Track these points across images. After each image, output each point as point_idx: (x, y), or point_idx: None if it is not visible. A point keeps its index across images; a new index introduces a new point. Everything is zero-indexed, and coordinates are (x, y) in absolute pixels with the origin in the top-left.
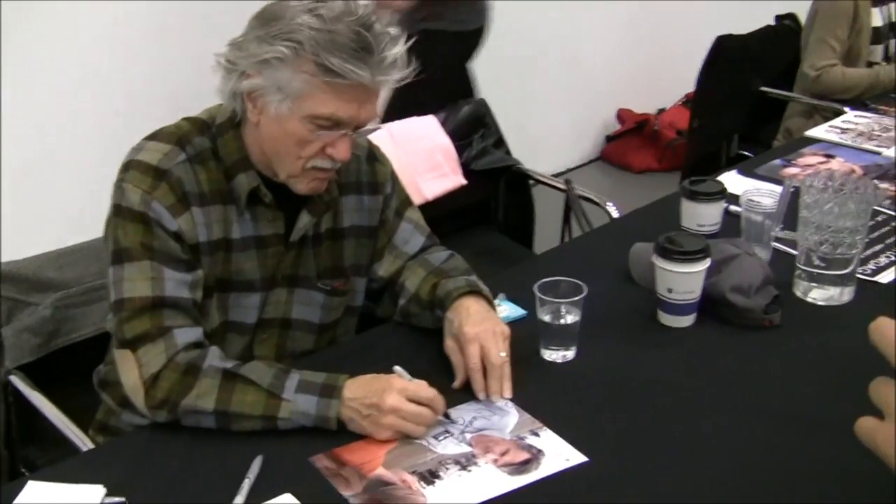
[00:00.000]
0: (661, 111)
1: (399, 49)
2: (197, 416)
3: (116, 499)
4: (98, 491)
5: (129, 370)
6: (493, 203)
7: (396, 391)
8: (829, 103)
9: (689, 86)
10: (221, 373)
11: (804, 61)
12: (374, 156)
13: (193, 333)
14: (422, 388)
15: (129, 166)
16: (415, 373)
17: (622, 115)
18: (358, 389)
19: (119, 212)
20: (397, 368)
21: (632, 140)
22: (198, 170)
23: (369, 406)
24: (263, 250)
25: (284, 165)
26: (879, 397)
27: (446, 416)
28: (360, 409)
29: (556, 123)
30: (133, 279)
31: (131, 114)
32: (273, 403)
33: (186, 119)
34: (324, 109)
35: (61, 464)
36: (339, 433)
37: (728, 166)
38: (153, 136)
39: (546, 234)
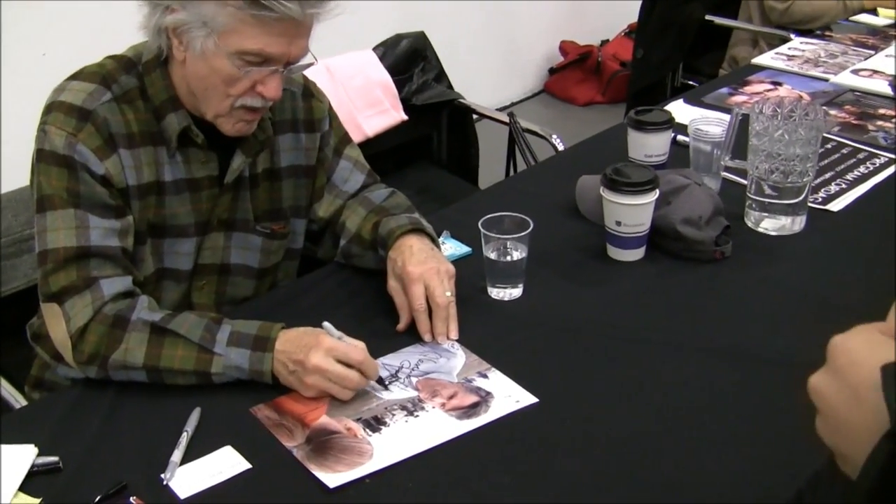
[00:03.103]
0: (605, 43)
1: None
2: (127, 372)
3: (49, 458)
4: (30, 451)
5: (57, 324)
6: (435, 139)
7: (324, 350)
8: (775, 30)
9: (632, 16)
10: (150, 326)
11: None
12: (309, 92)
13: (122, 283)
14: (352, 349)
15: (51, 108)
16: (357, 315)
17: (565, 47)
18: (288, 343)
19: (42, 156)
20: (326, 324)
21: (575, 72)
22: (125, 110)
23: (295, 362)
24: (197, 193)
25: (212, 104)
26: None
27: (380, 381)
28: (286, 363)
29: (498, 56)
30: (56, 229)
31: None
32: (204, 358)
33: (111, 57)
34: (251, 45)
35: None
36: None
37: (673, 97)
38: (76, 76)
39: (491, 169)
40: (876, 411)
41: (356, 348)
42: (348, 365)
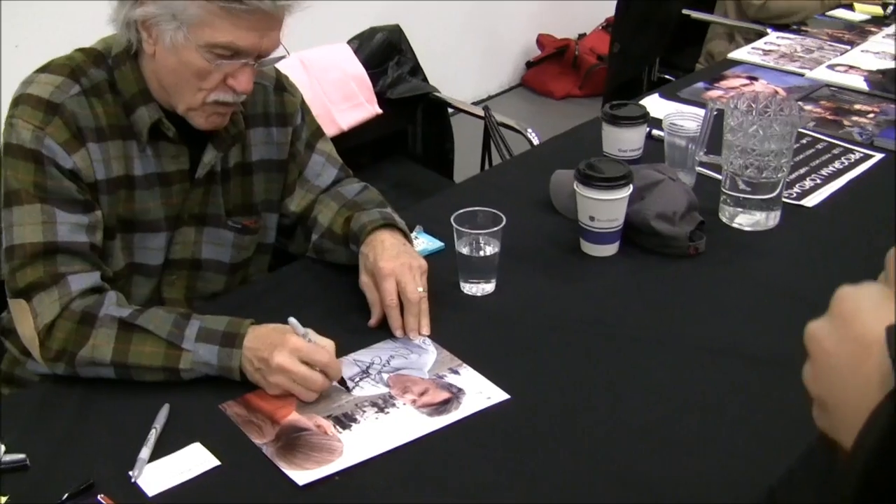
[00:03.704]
0: (582, 36)
1: None
2: (96, 368)
3: (16, 456)
4: None
5: (24, 320)
6: (410, 133)
7: (289, 350)
8: (752, 25)
9: (610, 10)
10: (118, 322)
11: None
12: (282, 86)
13: (90, 279)
14: (318, 351)
15: (19, 101)
16: (329, 311)
17: (542, 40)
18: (256, 340)
19: (9, 150)
20: (292, 320)
21: (552, 66)
22: (94, 103)
23: (260, 360)
24: (168, 188)
25: (183, 98)
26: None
27: (342, 383)
28: (253, 360)
29: (475, 50)
30: (23, 224)
31: None
32: (173, 354)
33: (80, 50)
34: (222, 38)
35: None
36: None
37: (649, 91)
38: (44, 69)
39: (467, 164)
40: (879, 365)
41: (322, 349)
42: (313, 366)
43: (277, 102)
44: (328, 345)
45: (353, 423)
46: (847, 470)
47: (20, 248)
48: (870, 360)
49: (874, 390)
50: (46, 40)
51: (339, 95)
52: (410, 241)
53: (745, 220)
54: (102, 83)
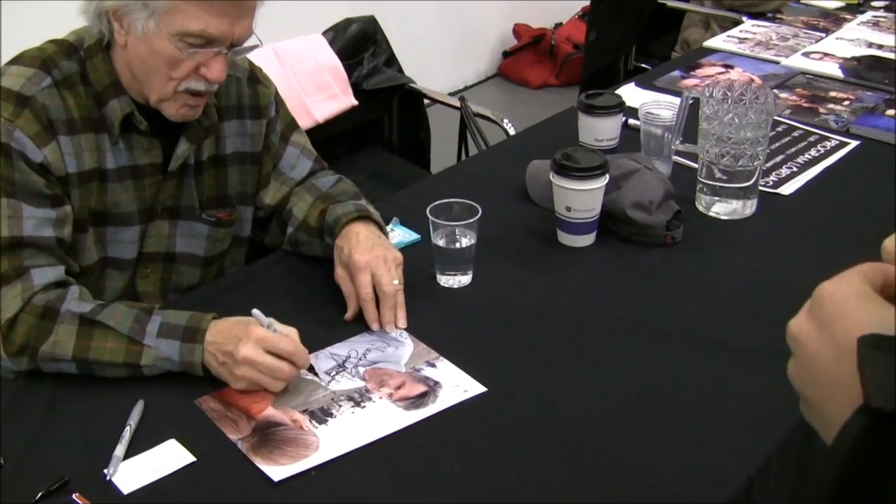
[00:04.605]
0: (559, 25)
1: None
2: (57, 364)
3: None
4: None
5: None
6: (386, 123)
7: (254, 341)
8: (727, 13)
9: None
10: (79, 318)
11: None
12: (255, 77)
13: (54, 273)
14: (283, 340)
15: None
16: (305, 304)
17: (518, 30)
18: (218, 334)
19: None
20: (255, 312)
21: (529, 55)
22: (66, 95)
23: (224, 353)
24: (140, 180)
25: (155, 87)
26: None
27: (311, 370)
28: (217, 354)
29: (451, 40)
30: None
31: None
32: (134, 350)
33: (52, 41)
34: (193, 26)
35: None
36: None
37: (626, 79)
38: (15, 60)
39: (443, 154)
40: (856, 374)
41: (286, 338)
42: (279, 356)
43: (251, 94)
44: (291, 332)
45: (329, 418)
46: (820, 478)
47: None
48: (850, 367)
49: (854, 399)
50: (15, 30)
51: (313, 87)
52: (386, 234)
53: (722, 209)
54: (74, 75)
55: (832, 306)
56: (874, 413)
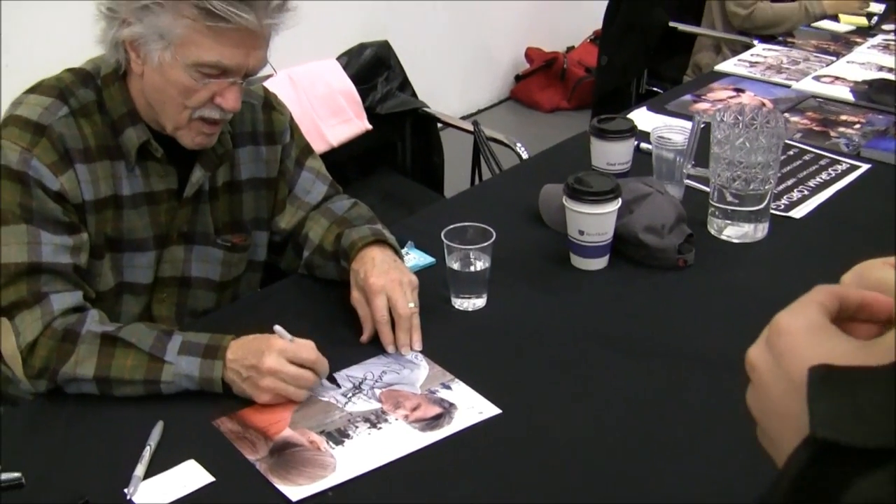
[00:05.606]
0: (570, 49)
1: None
2: (78, 384)
3: (12, 474)
4: None
5: (6, 339)
6: (399, 147)
7: (276, 352)
8: (738, 37)
9: (598, 23)
10: (100, 337)
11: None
12: (270, 104)
13: (72, 298)
14: (303, 349)
15: (7, 122)
16: (321, 327)
17: (531, 53)
18: (239, 351)
19: None
20: (277, 328)
21: (541, 79)
22: (82, 124)
23: (248, 367)
24: (155, 207)
25: (170, 116)
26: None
27: (331, 379)
28: (240, 370)
29: (464, 64)
30: (8, 244)
31: None
32: (155, 367)
33: (69, 70)
34: (208, 57)
35: None
36: None
37: (637, 103)
38: (33, 89)
39: (457, 178)
40: (806, 409)
41: (307, 347)
42: (301, 365)
43: (266, 121)
44: (308, 344)
45: (345, 439)
46: None
47: (4, 268)
48: (801, 399)
49: (803, 430)
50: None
51: (327, 111)
52: (401, 257)
53: (734, 232)
54: (91, 104)
55: (786, 338)
56: (819, 444)
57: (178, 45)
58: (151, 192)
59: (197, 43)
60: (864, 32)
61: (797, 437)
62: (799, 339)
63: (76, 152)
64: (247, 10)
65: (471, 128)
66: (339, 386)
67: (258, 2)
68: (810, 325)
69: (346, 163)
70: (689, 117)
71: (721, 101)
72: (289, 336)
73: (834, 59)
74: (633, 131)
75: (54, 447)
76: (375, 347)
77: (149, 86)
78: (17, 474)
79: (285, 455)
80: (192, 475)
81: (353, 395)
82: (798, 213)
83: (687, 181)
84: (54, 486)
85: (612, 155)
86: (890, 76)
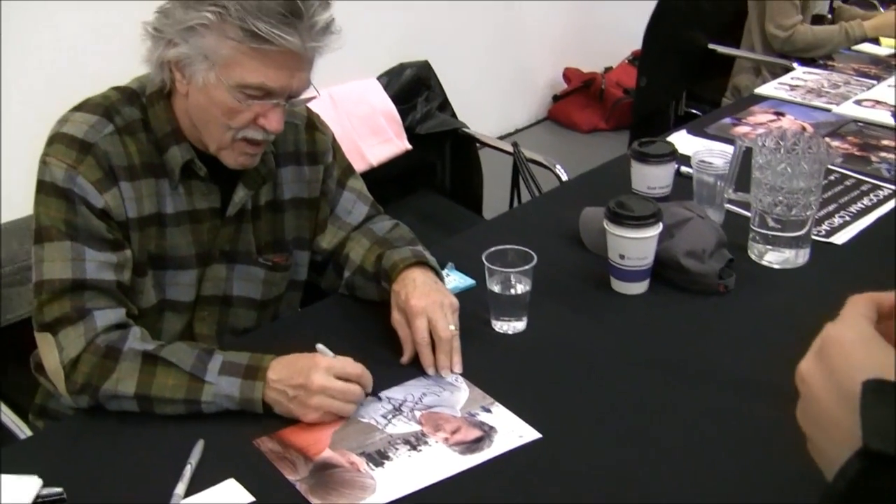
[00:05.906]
0: (608, 69)
1: (330, 14)
2: (119, 401)
3: (54, 489)
4: (34, 482)
5: (50, 354)
6: (438, 167)
7: (324, 369)
8: (777, 59)
9: (636, 43)
10: (141, 355)
11: (769, 22)
12: (313, 125)
13: (115, 315)
14: (348, 363)
15: (53, 139)
16: (361, 348)
17: (568, 74)
18: (283, 370)
19: (42, 188)
20: (320, 346)
21: (579, 99)
22: (127, 142)
23: (296, 387)
24: (198, 225)
25: (213, 136)
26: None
27: (375, 393)
28: (286, 390)
29: (502, 84)
30: (53, 260)
31: None
32: (195, 386)
33: (115, 88)
34: (252, 78)
35: None
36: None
37: (676, 124)
38: (79, 107)
39: (496, 198)
40: (858, 421)
41: (351, 362)
42: (346, 380)
43: (308, 141)
44: (350, 359)
45: (385, 461)
46: None
47: (49, 284)
48: (852, 410)
49: (855, 442)
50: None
51: (367, 131)
52: (442, 279)
53: (775, 258)
54: (136, 122)
55: (838, 350)
56: (872, 456)
57: (223, 66)
58: (194, 211)
59: (241, 64)
60: None
61: (849, 450)
62: (851, 350)
63: (121, 170)
64: (291, 33)
65: (510, 149)
66: (380, 398)
67: (302, 24)
68: (861, 337)
69: (385, 183)
70: (729, 141)
71: (761, 124)
72: (331, 354)
73: (874, 82)
74: (673, 155)
75: (96, 463)
76: (416, 369)
77: (193, 106)
78: (58, 489)
79: (325, 476)
80: (232, 494)
81: (394, 416)
82: (839, 238)
83: (728, 206)
84: (95, 503)
85: (652, 178)
86: None
